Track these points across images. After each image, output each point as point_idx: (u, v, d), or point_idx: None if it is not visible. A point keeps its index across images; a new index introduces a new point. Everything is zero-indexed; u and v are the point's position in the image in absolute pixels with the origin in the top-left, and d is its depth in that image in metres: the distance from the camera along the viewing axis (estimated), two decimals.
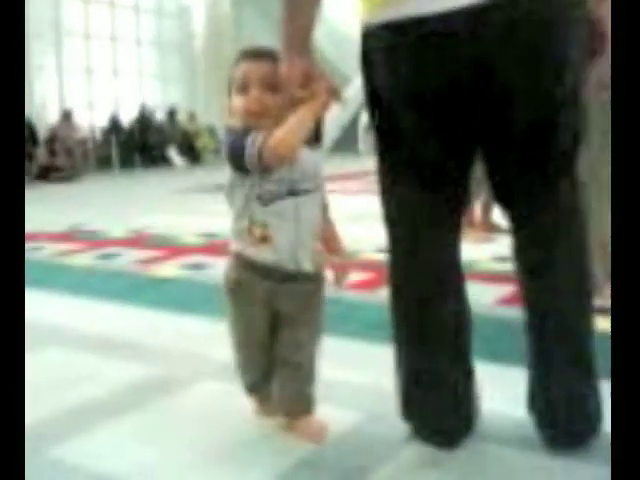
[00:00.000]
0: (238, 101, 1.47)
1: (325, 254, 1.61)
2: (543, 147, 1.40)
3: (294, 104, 1.42)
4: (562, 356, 1.47)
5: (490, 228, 4.05)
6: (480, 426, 1.59)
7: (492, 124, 1.40)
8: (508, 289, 2.86)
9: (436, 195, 1.49)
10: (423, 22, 1.30)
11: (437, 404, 1.52)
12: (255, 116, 1.46)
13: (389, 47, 1.36)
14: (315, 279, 1.57)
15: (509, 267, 3.24)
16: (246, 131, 1.43)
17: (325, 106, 1.44)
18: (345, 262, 1.67)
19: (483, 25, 1.28)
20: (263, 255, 1.50)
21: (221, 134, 1.54)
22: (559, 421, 1.49)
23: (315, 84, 1.42)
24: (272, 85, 1.45)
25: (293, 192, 1.48)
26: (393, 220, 1.54)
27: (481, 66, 1.31)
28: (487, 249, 3.72)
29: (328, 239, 1.61)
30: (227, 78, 1.52)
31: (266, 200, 1.47)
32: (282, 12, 1.39)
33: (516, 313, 2.54)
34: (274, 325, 1.57)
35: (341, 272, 1.64)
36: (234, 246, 1.55)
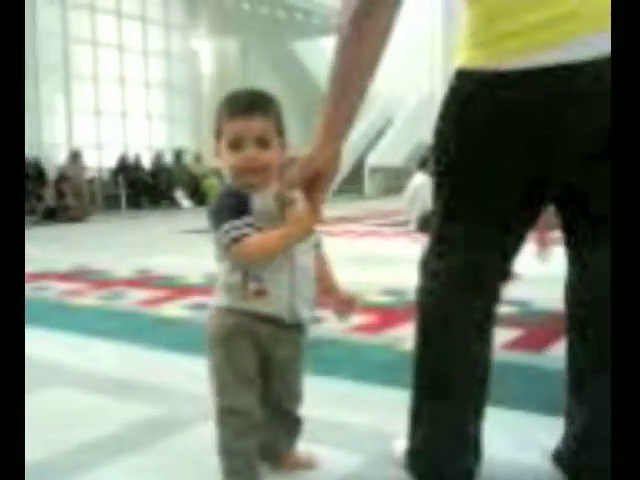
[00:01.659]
0: (231, 158, 1.44)
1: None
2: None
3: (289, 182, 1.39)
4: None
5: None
6: (483, 472, 1.57)
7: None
8: (514, 333, 2.86)
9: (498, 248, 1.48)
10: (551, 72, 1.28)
11: (458, 456, 1.49)
12: (248, 173, 1.44)
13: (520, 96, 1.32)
14: (308, 325, 1.56)
15: (514, 311, 3.24)
16: (230, 207, 1.42)
17: (308, 233, 1.42)
18: (349, 298, 1.61)
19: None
20: (259, 308, 1.46)
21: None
22: None
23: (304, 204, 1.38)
24: (265, 141, 1.43)
25: None
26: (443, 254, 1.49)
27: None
28: None
29: (322, 278, 1.58)
30: (216, 121, 1.48)
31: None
32: (328, 99, 1.36)
33: (520, 357, 2.54)
34: (263, 372, 1.51)
35: (346, 308, 1.60)
36: (221, 300, 1.51)
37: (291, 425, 1.60)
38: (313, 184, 1.36)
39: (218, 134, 1.48)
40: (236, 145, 1.43)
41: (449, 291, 1.48)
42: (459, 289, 1.47)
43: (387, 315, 3.27)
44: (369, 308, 3.33)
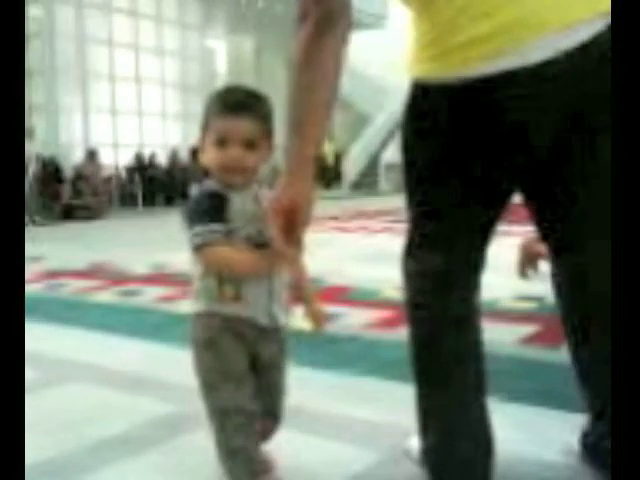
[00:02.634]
0: (216, 155, 1.42)
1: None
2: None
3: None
4: None
5: None
6: (499, 468, 1.57)
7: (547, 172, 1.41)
8: (530, 328, 2.84)
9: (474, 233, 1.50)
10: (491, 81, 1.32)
11: (463, 449, 1.47)
12: (231, 172, 1.41)
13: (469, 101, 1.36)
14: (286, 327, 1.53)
15: (530, 306, 3.23)
16: (204, 210, 1.40)
17: (271, 269, 1.42)
18: (320, 310, 1.49)
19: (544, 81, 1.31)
20: (237, 312, 1.44)
21: None
22: None
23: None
24: (251, 142, 1.41)
25: (263, 246, 1.41)
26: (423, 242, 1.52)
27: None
28: (510, 288, 3.70)
29: (299, 287, 1.50)
30: (204, 114, 1.45)
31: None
32: (289, 140, 1.35)
33: (536, 353, 2.53)
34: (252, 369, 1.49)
35: (319, 319, 1.48)
36: (199, 306, 1.49)
37: (270, 425, 1.56)
38: (290, 222, 1.35)
39: (205, 128, 1.45)
40: (222, 143, 1.41)
41: (424, 293, 1.51)
42: (431, 289, 1.50)
43: (402, 312, 3.26)
44: (384, 304, 3.32)
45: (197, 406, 2.08)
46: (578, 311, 1.49)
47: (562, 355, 2.49)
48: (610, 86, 1.24)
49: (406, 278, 1.55)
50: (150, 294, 3.98)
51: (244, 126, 1.40)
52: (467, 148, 1.40)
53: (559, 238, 1.48)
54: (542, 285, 3.68)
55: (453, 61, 1.36)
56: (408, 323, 1.55)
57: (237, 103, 1.42)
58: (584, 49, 1.27)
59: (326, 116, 1.38)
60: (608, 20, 1.26)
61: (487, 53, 1.31)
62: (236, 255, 1.39)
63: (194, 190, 1.46)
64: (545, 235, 1.52)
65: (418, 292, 1.53)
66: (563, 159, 1.37)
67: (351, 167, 19.14)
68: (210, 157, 1.43)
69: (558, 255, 1.51)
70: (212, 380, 1.46)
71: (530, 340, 2.69)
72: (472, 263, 1.53)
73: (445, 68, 1.37)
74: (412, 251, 1.54)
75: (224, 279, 1.43)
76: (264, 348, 1.48)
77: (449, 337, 1.49)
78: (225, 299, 1.43)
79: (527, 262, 4.27)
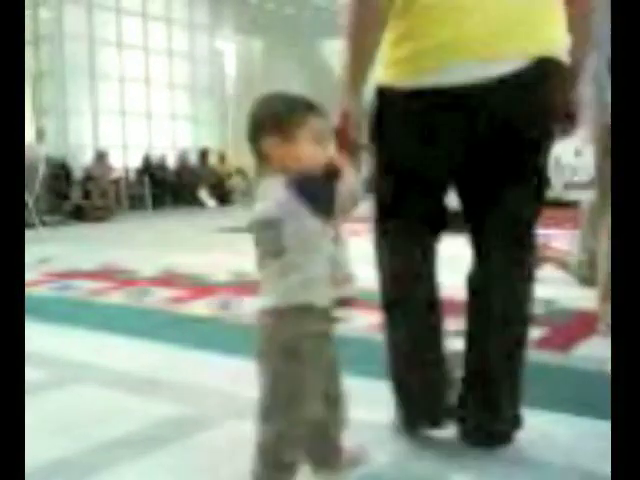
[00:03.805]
0: (315, 152, 1.40)
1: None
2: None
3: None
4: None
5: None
6: (506, 472, 1.57)
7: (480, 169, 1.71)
8: (538, 332, 2.84)
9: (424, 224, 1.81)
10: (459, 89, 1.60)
11: (422, 388, 1.79)
12: (317, 169, 1.40)
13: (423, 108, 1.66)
14: None
15: (539, 310, 3.22)
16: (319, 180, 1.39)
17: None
18: None
19: (488, 96, 1.59)
20: (340, 294, 1.41)
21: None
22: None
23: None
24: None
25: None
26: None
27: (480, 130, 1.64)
28: None
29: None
30: (285, 114, 1.41)
31: (337, 240, 1.45)
32: (346, 56, 1.67)
33: (545, 356, 2.53)
34: None
35: None
36: (291, 300, 1.38)
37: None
38: (344, 137, 1.64)
39: (290, 126, 1.40)
40: (319, 141, 1.40)
41: (392, 280, 1.81)
42: (399, 276, 1.79)
43: None
44: None
45: (207, 407, 2.10)
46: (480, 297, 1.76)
47: (570, 359, 2.50)
48: (530, 111, 1.60)
49: (377, 267, 1.85)
50: (159, 295, 4.00)
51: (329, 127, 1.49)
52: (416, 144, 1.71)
53: (474, 241, 1.78)
54: (550, 288, 3.69)
55: (409, 70, 1.65)
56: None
57: (319, 107, 1.44)
58: (516, 77, 1.58)
59: (371, 58, 1.68)
60: (534, 59, 1.58)
61: (432, 68, 1.61)
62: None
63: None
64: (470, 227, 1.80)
65: (386, 278, 1.83)
66: (485, 169, 1.69)
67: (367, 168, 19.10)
68: (310, 152, 1.40)
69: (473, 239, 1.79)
70: (297, 390, 1.41)
71: (537, 344, 2.69)
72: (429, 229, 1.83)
73: (404, 76, 1.67)
74: (378, 242, 1.85)
75: (336, 262, 1.49)
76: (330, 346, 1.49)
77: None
78: (337, 283, 1.49)
79: None
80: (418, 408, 1.80)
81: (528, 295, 1.73)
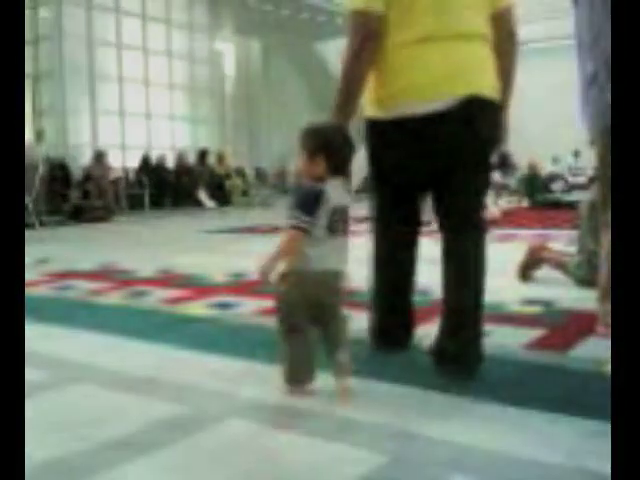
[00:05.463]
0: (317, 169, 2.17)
1: None
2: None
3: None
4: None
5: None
6: (504, 471, 1.58)
7: (444, 178, 2.39)
8: (536, 333, 2.85)
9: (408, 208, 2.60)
10: (413, 120, 2.31)
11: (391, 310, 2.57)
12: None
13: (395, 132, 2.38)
14: None
15: (537, 310, 3.23)
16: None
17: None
18: None
19: (445, 124, 2.28)
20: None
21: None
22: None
23: None
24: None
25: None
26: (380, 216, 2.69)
27: (440, 150, 2.34)
28: (517, 292, 3.70)
29: None
30: (318, 143, 2.14)
31: None
32: (337, 100, 2.34)
33: (542, 357, 2.53)
34: None
35: None
36: (338, 266, 2.20)
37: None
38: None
39: (321, 150, 2.14)
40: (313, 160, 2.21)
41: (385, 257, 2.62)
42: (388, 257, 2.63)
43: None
44: None
45: (206, 407, 2.10)
46: (446, 276, 2.41)
47: (569, 360, 2.50)
48: (457, 132, 2.29)
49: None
50: (158, 295, 4.00)
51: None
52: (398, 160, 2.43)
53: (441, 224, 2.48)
54: (549, 289, 3.69)
55: (388, 105, 2.37)
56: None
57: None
58: (449, 110, 2.26)
59: (360, 92, 2.38)
60: (463, 97, 2.26)
61: (395, 105, 2.34)
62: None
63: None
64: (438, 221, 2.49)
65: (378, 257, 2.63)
66: (445, 178, 2.37)
67: (356, 171, 19.13)
68: (318, 170, 2.15)
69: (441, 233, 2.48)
70: None
71: (536, 344, 2.69)
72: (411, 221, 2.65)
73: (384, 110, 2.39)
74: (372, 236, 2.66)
75: None
76: None
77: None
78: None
79: (530, 266, 4.30)
80: (387, 326, 2.58)
81: (481, 248, 2.35)
